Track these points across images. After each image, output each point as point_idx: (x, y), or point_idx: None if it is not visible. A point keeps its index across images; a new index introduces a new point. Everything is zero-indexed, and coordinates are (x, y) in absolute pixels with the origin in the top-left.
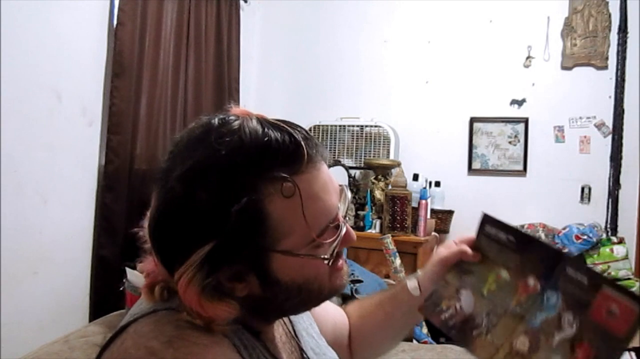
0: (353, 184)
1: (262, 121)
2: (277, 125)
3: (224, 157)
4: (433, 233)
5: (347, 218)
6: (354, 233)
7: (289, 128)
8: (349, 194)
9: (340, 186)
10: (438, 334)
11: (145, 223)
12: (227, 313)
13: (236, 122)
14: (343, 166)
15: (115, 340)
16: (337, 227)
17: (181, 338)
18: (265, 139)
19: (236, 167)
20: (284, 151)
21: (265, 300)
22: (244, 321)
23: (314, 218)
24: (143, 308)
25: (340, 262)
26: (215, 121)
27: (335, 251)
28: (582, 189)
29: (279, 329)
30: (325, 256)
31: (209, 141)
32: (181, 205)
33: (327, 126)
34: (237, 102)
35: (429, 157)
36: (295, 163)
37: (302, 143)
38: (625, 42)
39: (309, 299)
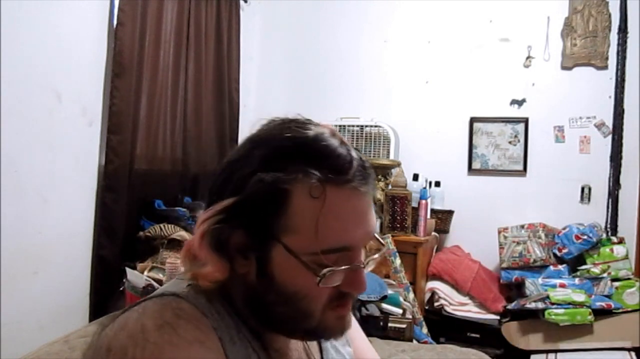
0: None
1: (335, 132)
2: (344, 141)
3: (286, 139)
4: (433, 233)
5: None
6: (364, 284)
7: (352, 149)
8: (379, 253)
9: (375, 236)
10: (438, 334)
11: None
12: (215, 268)
13: (310, 124)
14: None
15: (124, 313)
16: (350, 262)
17: (172, 326)
18: (325, 142)
19: (289, 149)
20: (334, 159)
21: (257, 294)
22: (245, 318)
23: (325, 232)
24: (159, 291)
25: (342, 305)
26: (300, 119)
27: (335, 278)
28: (582, 189)
29: (297, 343)
30: (319, 273)
31: (284, 123)
32: (237, 159)
33: None
34: (237, 102)
35: (429, 157)
36: (337, 174)
37: (354, 163)
38: (625, 42)
39: (296, 317)
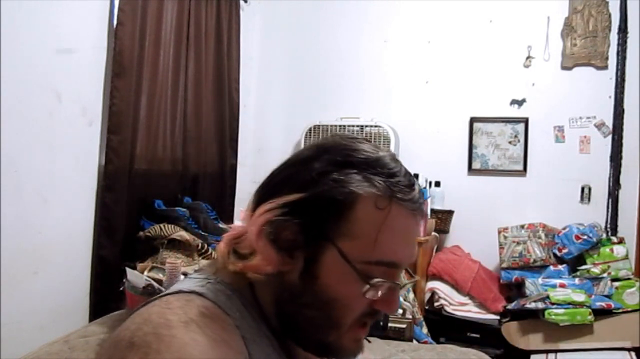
0: None
1: (397, 158)
2: (404, 167)
3: (357, 151)
4: (433, 233)
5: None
6: (397, 305)
7: (409, 174)
8: (412, 280)
9: (411, 271)
10: (438, 334)
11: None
12: (268, 261)
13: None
14: None
15: (147, 304)
16: (393, 279)
17: (197, 324)
18: (393, 162)
19: (359, 159)
20: (400, 178)
21: (292, 294)
22: (268, 316)
23: (382, 244)
24: (174, 289)
25: (364, 325)
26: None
27: (378, 291)
28: (582, 189)
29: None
30: (369, 281)
31: (353, 139)
32: (303, 159)
33: (327, 125)
34: (237, 102)
35: (429, 157)
36: (402, 193)
37: (415, 188)
38: (625, 42)
39: (322, 325)
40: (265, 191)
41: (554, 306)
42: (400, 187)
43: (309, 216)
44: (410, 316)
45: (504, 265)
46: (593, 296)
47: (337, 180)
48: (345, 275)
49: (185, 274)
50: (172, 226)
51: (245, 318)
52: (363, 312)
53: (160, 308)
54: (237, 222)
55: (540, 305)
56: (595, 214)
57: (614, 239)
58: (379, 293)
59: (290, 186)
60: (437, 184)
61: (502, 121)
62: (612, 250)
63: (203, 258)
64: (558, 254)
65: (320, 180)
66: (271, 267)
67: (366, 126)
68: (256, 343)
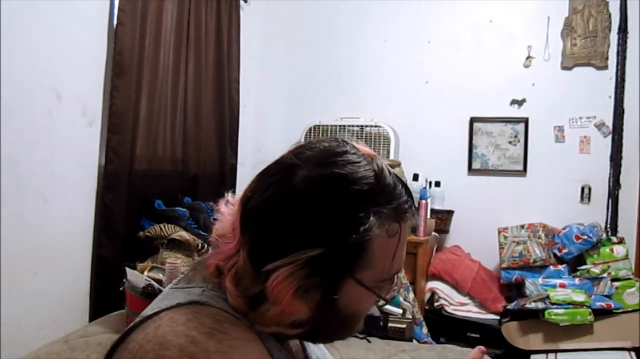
0: None
1: (386, 165)
2: (393, 173)
3: (357, 180)
4: (433, 233)
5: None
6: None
7: (401, 181)
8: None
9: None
10: (438, 334)
11: (227, 207)
12: (299, 314)
13: (368, 157)
14: None
15: (142, 326)
16: (393, 282)
17: (222, 331)
18: (390, 180)
19: (362, 193)
20: (399, 196)
21: (310, 320)
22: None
23: (397, 261)
24: (167, 303)
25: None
26: (348, 146)
27: (389, 296)
28: (582, 189)
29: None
30: (384, 296)
31: (345, 158)
32: (302, 200)
33: (327, 125)
34: (237, 102)
35: (429, 157)
36: (403, 212)
37: (410, 198)
38: (625, 42)
39: (339, 331)
40: (262, 223)
41: (554, 306)
42: (403, 208)
43: (329, 266)
44: (410, 316)
45: (504, 265)
46: (593, 296)
47: (355, 229)
48: (363, 296)
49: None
50: (172, 226)
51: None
52: None
53: (170, 327)
54: (219, 224)
55: (540, 305)
56: (595, 214)
57: (614, 239)
58: (389, 298)
59: (300, 234)
60: (437, 184)
61: (502, 121)
62: (612, 250)
63: None
64: (558, 254)
65: (337, 229)
66: (301, 315)
67: (366, 126)
68: (268, 340)
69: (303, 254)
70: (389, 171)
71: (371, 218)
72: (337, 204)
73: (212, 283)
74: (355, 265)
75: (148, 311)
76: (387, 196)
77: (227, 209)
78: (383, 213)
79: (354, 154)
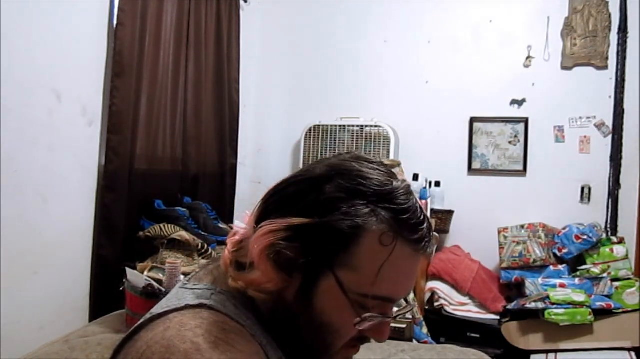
0: None
1: (409, 187)
2: (416, 200)
3: (372, 181)
4: (433, 233)
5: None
6: (388, 335)
7: (425, 211)
8: (408, 310)
9: (406, 300)
10: (438, 334)
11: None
12: (270, 281)
13: (393, 174)
14: None
15: (151, 326)
16: (385, 312)
17: (227, 342)
18: (406, 199)
19: (373, 191)
20: (410, 217)
21: (286, 312)
22: (270, 325)
23: (382, 280)
24: (175, 303)
25: (355, 347)
26: (377, 160)
27: (370, 323)
28: (582, 189)
29: None
30: (361, 315)
31: (369, 162)
32: (314, 179)
33: (327, 125)
34: (237, 102)
35: (429, 157)
36: (409, 232)
37: (425, 228)
38: (625, 42)
39: (313, 346)
40: (273, 202)
41: (554, 306)
42: (408, 225)
43: (312, 242)
44: (410, 316)
45: (504, 265)
46: (593, 296)
47: (344, 211)
48: (339, 303)
49: (185, 274)
50: (172, 226)
51: (255, 324)
52: (353, 337)
53: (178, 331)
54: (238, 222)
55: (540, 305)
56: (595, 214)
57: (614, 239)
58: (369, 325)
59: (298, 206)
60: (437, 184)
61: (502, 121)
62: (612, 250)
63: (203, 258)
64: (558, 254)
65: (328, 207)
66: (270, 285)
67: (366, 126)
68: (271, 347)
69: (291, 219)
70: (411, 193)
71: (367, 211)
72: (342, 187)
73: (221, 284)
74: (338, 257)
75: (157, 309)
76: (395, 206)
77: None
78: (382, 216)
79: (379, 163)
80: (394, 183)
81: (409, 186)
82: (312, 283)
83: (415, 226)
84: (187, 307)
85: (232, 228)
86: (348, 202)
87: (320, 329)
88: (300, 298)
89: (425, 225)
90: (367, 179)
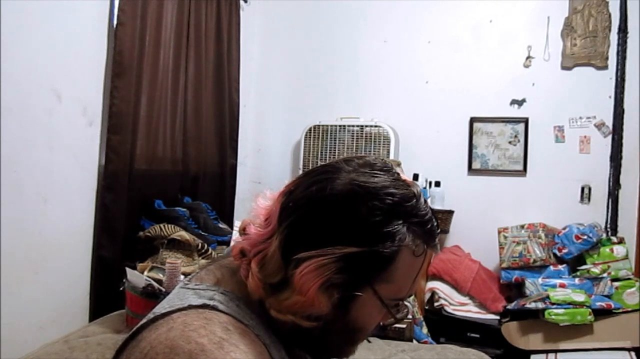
0: None
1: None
2: (428, 204)
3: (397, 194)
4: None
5: None
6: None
7: (433, 213)
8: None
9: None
10: (438, 334)
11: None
12: (321, 309)
13: (409, 183)
14: None
15: (155, 326)
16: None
17: (231, 342)
18: (423, 204)
19: (401, 206)
20: (429, 222)
21: (317, 321)
22: (271, 323)
23: (416, 284)
24: (178, 302)
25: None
26: (393, 170)
27: (399, 316)
28: (582, 189)
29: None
30: (394, 317)
31: (392, 175)
32: (341, 203)
33: (327, 126)
34: (237, 102)
35: (429, 157)
36: (431, 237)
37: (438, 228)
38: (625, 42)
39: (343, 347)
40: (298, 224)
41: (554, 306)
42: (431, 232)
43: (356, 266)
44: (410, 316)
45: (504, 265)
46: (593, 296)
47: (386, 234)
48: (374, 309)
49: (185, 274)
50: (172, 226)
51: (259, 324)
52: None
53: (182, 331)
54: (238, 222)
55: (540, 305)
56: (595, 214)
57: (614, 239)
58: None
59: (338, 233)
60: (437, 184)
61: (502, 121)
62: (612, 250)
63: (203, 258)
64: (558, 254)
65: (372, 233)
66: (320, 311)
67: (366, 126)
68: (274, 348)
69: (339, 249)
70: (425, 200)
71: (405, 230)
72: (377, 209)
73: (224, 285)
74: (379, 274)
75: (160, 309)
76: (420, 218)
77: (263, 201)
78: (415, 231)
79: (397, 174)
80: (414, 192)
81: (420, 190)
82: (352, 297)
83: (434, 231)
84: (191, 307)
85: (232, 229)
86: (387, 225)
87: (353, 332)
88: (335, 311)
89: (437, 225)
90: (392, 194)
